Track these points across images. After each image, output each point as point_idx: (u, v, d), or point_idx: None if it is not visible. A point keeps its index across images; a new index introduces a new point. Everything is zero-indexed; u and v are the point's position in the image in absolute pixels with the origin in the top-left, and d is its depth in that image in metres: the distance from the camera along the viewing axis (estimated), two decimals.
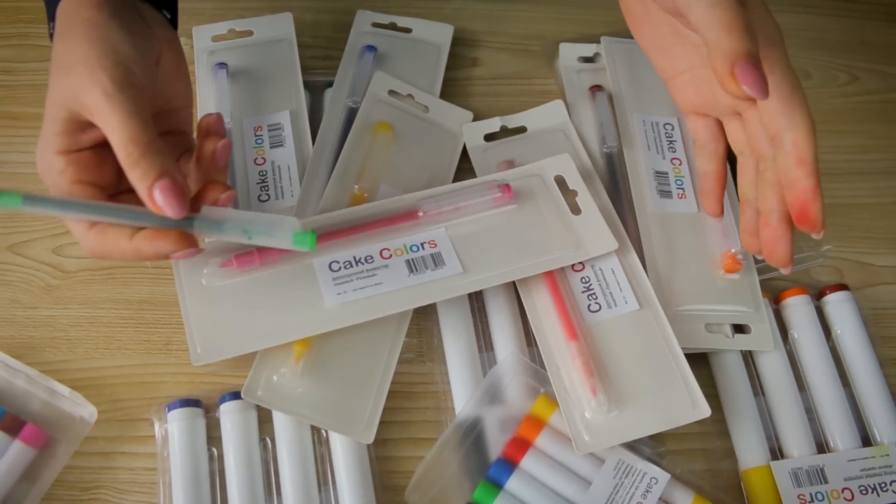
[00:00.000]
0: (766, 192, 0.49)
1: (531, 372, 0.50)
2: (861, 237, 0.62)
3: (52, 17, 0.45)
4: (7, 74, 0.62)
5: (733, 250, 0.55)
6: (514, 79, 0.66)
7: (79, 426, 0.50)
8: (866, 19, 0.73)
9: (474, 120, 0.61)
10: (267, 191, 0.56)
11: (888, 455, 0.51)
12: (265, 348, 0.49)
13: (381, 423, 0.49)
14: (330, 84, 0.61)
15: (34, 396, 0.50)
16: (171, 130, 0.47)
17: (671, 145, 0.59)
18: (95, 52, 0.41)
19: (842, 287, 0.57)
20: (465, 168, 0.60)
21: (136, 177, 0.40)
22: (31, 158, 0.57)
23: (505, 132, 0.61)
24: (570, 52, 0.64)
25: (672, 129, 0.60)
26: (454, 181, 0.58)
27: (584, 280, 0.53)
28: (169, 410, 0.49)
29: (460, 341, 0.52)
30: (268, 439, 0.50)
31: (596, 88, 0.62)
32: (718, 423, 0.53)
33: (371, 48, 0.62)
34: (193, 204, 0.43)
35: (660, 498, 0.48)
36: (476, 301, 0.54)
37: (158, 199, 0.40)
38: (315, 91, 0.62)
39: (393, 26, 0.65)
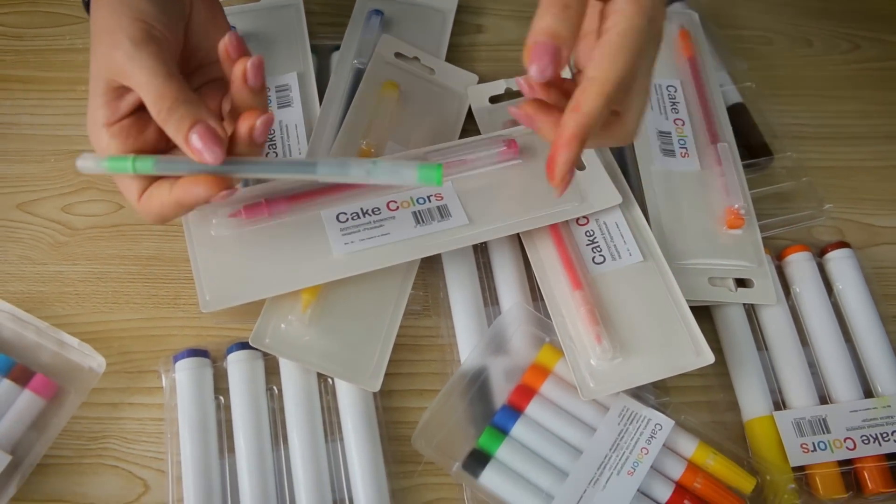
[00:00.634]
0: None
1: (536, 321, 0.51)
2: (862, 199, 0.63)
3: None
4: (16, 40, 0.63)
5: (736, 206, 0.55)
6: (518, 45, 0.66)
7: (87, 376, 0.50)
8: None
9: (479, 83, 0.61)
10: (275, 149, 0.56)
11: (889, 406, 0.51)
12: (273, 296, 0.49)
13: (387, 374, 0.50)
14: (337, 48, 0.62)
15: (43, 348, 0.50)
16: (213, 79, 0.47)
17: (674, 107, 0.60)
18: (115, 15, 0.42)
19: (843, 244, 0.57)
20: (470, 130, 0.60)
21: (171, 130, 0.41)
22: (40, 121, 0.60)
23: (510, 94, 0.61)
24: None
25: (675, 91, 0.61)
26: None
27: (588, 234, 0.53)
28: (176, 361, 0.50)
29: (466, 295, 0.53)
30: (275, 388, 0.50)
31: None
32: (722, 376, 0.54)
33: (378, 12, 0.62)
34: (233, 141, 0.43)
35: (664, 444, 0.48)
36: (481, 256, 0.55)
37: (196, 145, 0.40)
38: (322, 55, 0.63)
39: None
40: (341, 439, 0.49)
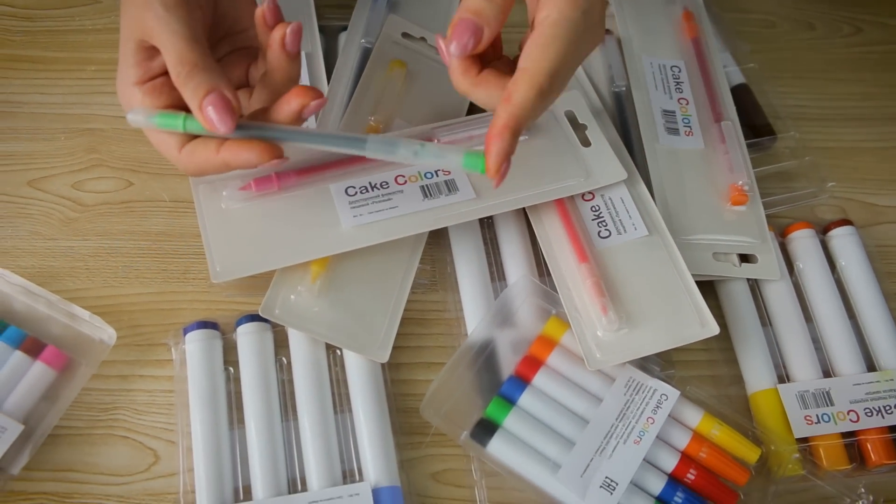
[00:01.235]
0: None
1: (542, 294, 0.51)
2: (864, 179, 0.63)
3: None
4: (27, 21, 0.64)
5: (740, 183, 0.56)
6: (523, 27, 0.67)
7: (98, 348, 0.50)
8: None
9: None
10: None
11: (892, 380, 0.52)
12: (283, 268, 0.50)
13: (395, 348, 0.50)
14: (344, 28, 0.63)
15: (55, 320, 0.51)
16: (240, 48, 0.48)
17: (678, 86, 0.61)
18: None
19: (846, 222, 0.58)
20: (477, 110, 0.60)
21: (188, 95, 0.41)
22: (51, 100, 0.60)
23: None
24: None
25: (679, 71, 0.61)
26: None
27: (594, 209, 0.54)
28: (186, 333, 0.50)
29: (472, 269, 0.53)
30: (283, 359, 0.51)
31: (605, 32, 0.63)
32: (726, 350, 0.54)
33: None
34: (278, 108, 0.43)
35: (669, 414, 0.48)
36: (488, 231, 0.55)
37: (209, 113, 0.41)
38: (330, 35, 0.63)
39: None
40: (350, 411, 0.49)
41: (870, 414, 0.51)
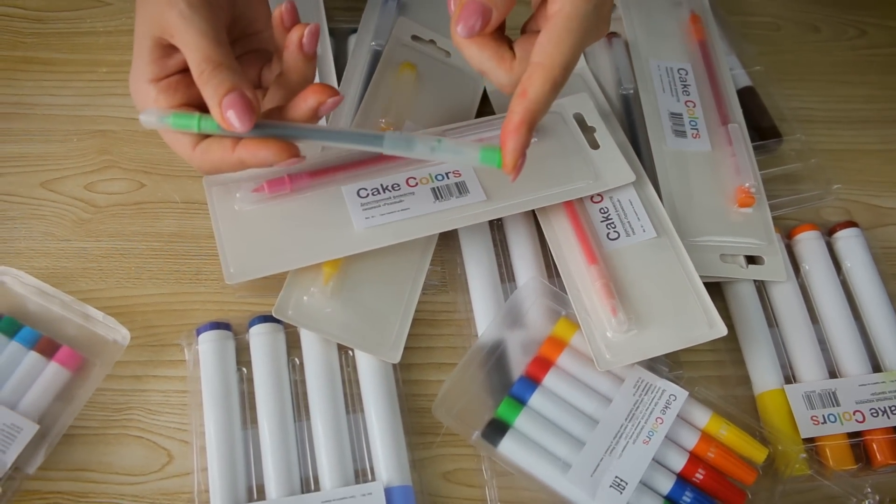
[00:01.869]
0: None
1: (552, 295, 0.52)
2: (869, 181, 0.64)
3: None
4: (38, 23, 0.64)
5: (746, 185, 0.56)
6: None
7: (112, 349, 0.51)
8: None
9: None
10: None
11: None
12: (295, 269, 0.50)
13: (406, 348, 0.51)
14: (354, 31, 0.63)
15: (69, 321, 0.51)
16: (253, 50, 0.48)
17: (685, 88, 0.61)
18: None
19: (851, 224, 0.58)
20: (486, 112, 0.61)
21: (208, 93, 0.41)
22: (62, 101, 0.60)
23: None
24: None
25: (686, 74, 0.62)
26: None
27: (602, 210, 0.54)
28: (199, 333, 0.51)
29: (482, 271, 0.54)
30: (296, 359, 0.51)
31: (612, 35, 0.63)
32: (733, 352, 0.55)
33: None
34: (294, 107, 0.44)
35: (678, 415, 0.49)
36: (497, 233, 0.56)
37: (227, 112, 0.41)
38: (339, 38, 0.64)
39: None
40: (362, 411, 0.50)
41: (875, 414, 0.51)
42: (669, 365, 0.51)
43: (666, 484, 0.47)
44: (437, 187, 0.52)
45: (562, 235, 0.53)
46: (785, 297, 0.55)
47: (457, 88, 0.61)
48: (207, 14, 0.42)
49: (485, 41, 0.43)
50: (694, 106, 0.60)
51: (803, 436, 0.51)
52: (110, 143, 0.59)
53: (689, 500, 0.47)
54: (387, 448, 0.48)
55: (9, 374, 0.49)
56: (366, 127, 0.56)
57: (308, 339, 0.50)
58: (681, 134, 0.59)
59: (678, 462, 0.48)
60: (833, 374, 0.54)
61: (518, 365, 0.51)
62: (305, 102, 0.44)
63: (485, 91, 0.61)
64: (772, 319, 0.56)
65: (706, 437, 0.49)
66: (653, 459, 0.47)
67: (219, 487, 0.46)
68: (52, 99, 0.61)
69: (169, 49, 0.44)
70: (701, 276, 0.52)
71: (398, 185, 0.52)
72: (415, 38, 0.62)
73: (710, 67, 0.62)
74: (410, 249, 0.52)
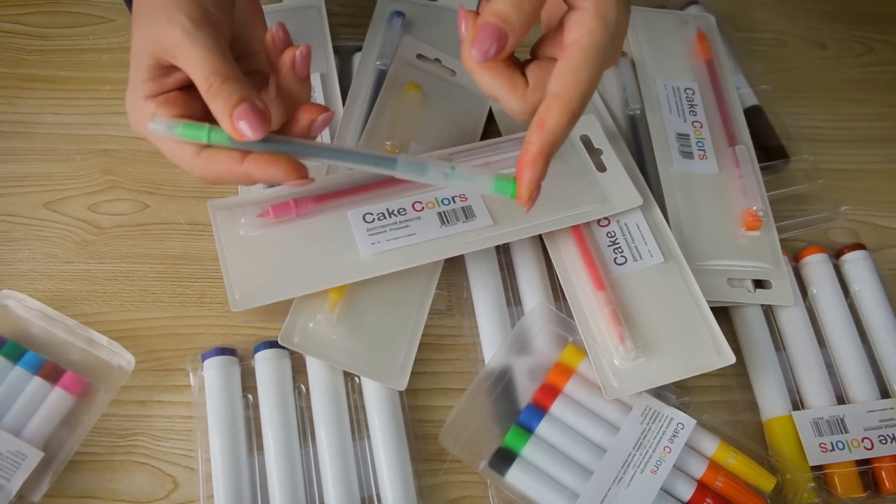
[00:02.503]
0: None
1: (559, 321, 0.52)
2: (876, 201, 0.63)
3: None
4: (41, 40, 0.64)
5: (754, 208, 0.56)
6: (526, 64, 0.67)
7: (117, 374, 0.51)
8: None
9: None
10: None
11: None
12: (301, 296, 0.50)
13: (413, 373, 0.50)
14: (358, 49, 0.63)
15: (73, 345, 0.51)
16: (249, 71, 0.48)
17: (692, 109, 0.61)
18: None
19: (859, 246, 0.58)
20: (492, 131, 0.61)
21: (218, 106, 0.41)
22: (65, 120, 0.60)
23: None
24: None
25: (693, 94, 0.62)
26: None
27: (609, 235, 0.54)
28: (204, 359, 0.50)
29: (489, 294, 0.53)
30: (302, 386, 0.51)
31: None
32: (740, 376, 0.55)
33: (399, 14, 0.63)
34: (287, 128, 0.44)
35: (686, 443, 0.49)
36: (504, 256, 0.56)
37: (239, 122, 0.40)
38: (344, 56, 0.63)
39: None
40: (368, 437, 0.50)
41: (884, 441, 0.51)
42: (677, 392, 0.51)
43: None
44: (444, 212, 0.52)
45: (568, 259, 0.53)
46: (792, 322, 0.55)
47: (462, 108, 0.60)
48: (211, 30, 0.42)
49: (497, 67, 0.42)
50: (701, 126, 0.60)
51: (811, 463, 0.50)
52: (113, 162, 0.59)
53: None
54: (393, 475, 0.48)
55: (13, 400, 0.48)
56: (370, 149, 0.55)
57: (314, 366, 0.50)
58: (688, 155, 0.59)
59: (686, 491, 0.48)
60: (841, 398, 0.54)
61: (525, 392, 0.50)
62: (298, 123, 0.44)
63: (490, 111, 0.61)
64: (779, 343, 0.55)
65: (714, 465, 0.49)
66: (661, 489, 0.47)
67: None
68: (55, 118, 0.60)
69: (168, 68, 0.43)
70: (708, 301, 0.52)
71: (404, 210, 0.52)
72: (420, 56, 0.61)
73: (717, 87, 0.62)
74: (416, 274, 0.52)
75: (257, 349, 0.51)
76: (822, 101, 0.68)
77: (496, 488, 0.49)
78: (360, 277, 0.50)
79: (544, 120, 0.40)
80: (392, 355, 0.50)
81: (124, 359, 0.51)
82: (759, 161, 0.60)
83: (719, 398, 0.54)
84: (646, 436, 0.48)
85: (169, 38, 0.41)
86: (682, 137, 0.59)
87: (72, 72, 0.63)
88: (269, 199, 0.51)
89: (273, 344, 0.50)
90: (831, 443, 0.51)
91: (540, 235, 0.54)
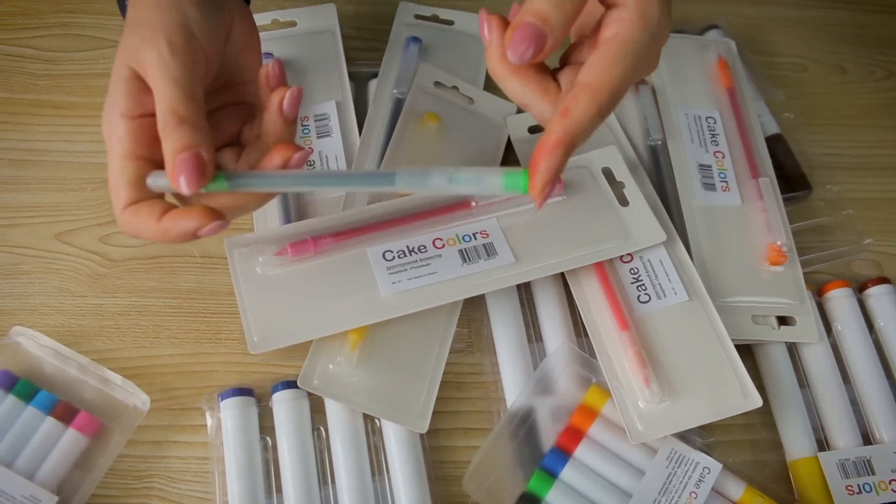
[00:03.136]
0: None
1: (582, 361, 0.51)
2: None
3: None
4: (51, 64, 0.63)
5: (778, 243, 0.55)
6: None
7: (132, 414, 0.50)
8: None
9: (518, 112, 0.61)
10: None
11: None
12: (320, 337, 0.49)
13: (433, 413, 0.49)
14: (373, 75, 0.62)
15: (86, 384, 0.50)
16: (237, 101, 0.46)
17: (714, 138, 0.60)
18: (161, 13, 0.40)
19: (883, 280, 0.57)
20: (510, 160, 0.60)
21: (167, 149, 0.39)
22: (76, 148, 0.59)
23: None
24: None
25: (714, 123, 0.61)
26: None
27: (632, 271, 0.53)
28: (221, 399, 0.50)
29: (510, 331, 0.53)
30: (321, 428, 0.50)
31: (639, 81, 0.62)
32: (764, 414, 0.54)
33: (416, 40, 0.62)
34: (259, 167, 0.41)
35: (712, 488, 0.48)
36: (525, 291, 0.55)
37: (179, 172, 0.38)
38: (359, 82, 0.62)
39: (435, 18, 0.65)
40: (389, 479, 0.49)
41: None
42: (702, 434, 0.50)
43: None
44: (465, 249, 0.51)
45: (591, 297, 0.52)
46: (817, 359, 0.54)
47: (481, 136, 0.59)
48: (186, 61, 0.39)
49: (528, 72, 0.39)
50: (723, 157, 0.59)
51: None
52: None
53: None
54: None
55: (25, 442, 0.48)
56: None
57: (333, 407, 0.49)
58: (710, 187, 0.58)
59: None
60: (866, 436, 0.53)
61: (548, 434, 0.49)
62: (271, 162, 0.41)
63: (509, 139, 0.60)
64: (803, 380, 0.55)
65: None
66: None
67: None
68: (66, 145, 0.59)
69: (146, 84, 0.40)
70: (733, 340, 0.51)
71: (424, 247, 0.51)
72: (437, 83, 0.60)
73: (739, 116, 0.61)
74: (437, 312, 0.51)
75: (275, 389, 0.50)
76: (843, 128, 0.67)
77: None
78: (380, 318, 0.49)
79: (569, 108, 0.36)
80: (413, 397, 0.49)
81: (139, 399, 0.50)
82: (781, 191, 0.59)
83: (743, 436, 0.53)
84: (671, 480, 0.48)
85: (145, 57, 0.39)
86: (705, 168, 0.58)
87: (82, 97, 0.61)
88: (286, 236, 0.50)
89: (291, 384, 0.49)
90: (858, 485, 0.50)
91: None
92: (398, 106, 0.59)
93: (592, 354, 0.51)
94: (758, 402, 0.49)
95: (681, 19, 0.69)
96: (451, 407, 0.52)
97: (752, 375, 0.51)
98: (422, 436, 0.50)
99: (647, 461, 0.48)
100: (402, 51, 0.62)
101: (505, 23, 0.38)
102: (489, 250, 0.51)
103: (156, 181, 0.41)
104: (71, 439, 0.48)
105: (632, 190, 0.55)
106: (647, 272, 0.53)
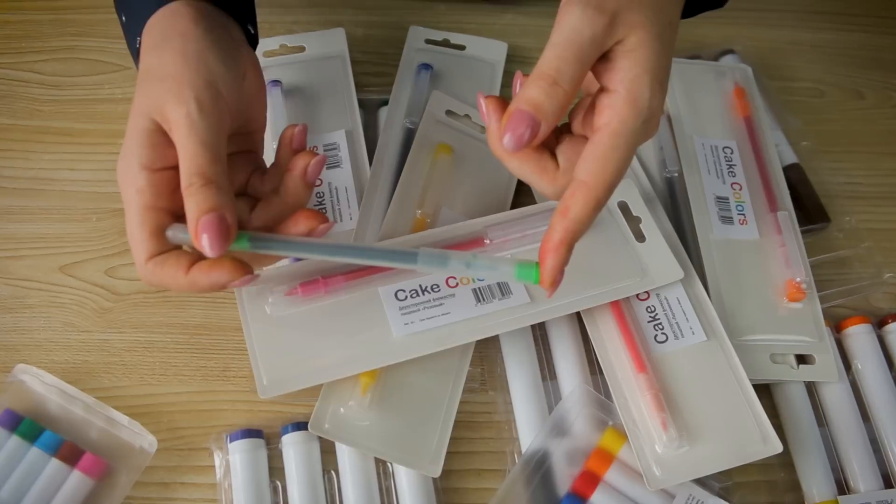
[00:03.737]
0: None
1: (599, 404, 0.50)
2: None
3: (137, 32, 0.44)
4: (55, 89, 0.62)
5: (797, 279, 0.54)
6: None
7: (139, 455, 0.49)
8: None
9: None
10: (325, 213, 0.55)
11: None
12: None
13: (446, 454, 0.48)
14: (384, 102, 0.60)
15: (92, 424, 0.49)
16: (243, 150, 0.46)
17: (731, 169, 0.59)
18: (189, 68, 0.40)
19: None
20: (523, 191, 0.59)
21: (191, 207, 0.38)
22: (82, 176, 0.58)
23: None
24: None
25: (731, 153, 0.59)
26: (513, 205, 0.57)
27: (649, 309, 0.52)
28: (230, 441, 0.49)
29: (524, 370, 0.52)
30: (332, 472, 0.49)
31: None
32: (782, 454, 0.52)
33: (427, 66, 0.61)
34: (284, 231, 0.42)
35: None
36: (539, 329, 0.54)
37: (202, 233, 0.38)
38: (369, 109, 0.61)
39: (446, 43, 0.64)
40: None
41: None
42: (719, 478, 0.49)
43: None
44: (479, 288, 0.50)
45: (607, 336, 0.51)
46: (836, 397, 0.53)
47: (494, 166, 0.58)
48: (214, 121, 0.39)
49: (527, 153, 0.41)
50: (740, 189, 0.58)
51: None
52: None
53: None
54: None
55: (30, 484, 0.47)
56: (401, 217, 0.53)
57: (344, 451, 0.48)
58: (727, 220, 0.57)
59: None
60: (886, 476, 0.52)
61: (564, 478, 0.48)
62: (297, 227, 0.42)
63: None
64: (822, 418, 0.53)
65: None
66: None
67: None
68: (71, 174, 0.58)
69: (168, 138, 0.40)
70: (751, 380, 0.50)
71: (437, 287, 0.50)
72: (448, 112, 0.59)
73: (757, 146, 0.60)
74: (450, 353, 0.50)
75: (285, 431, 0.49)
76: (860, 156, 0.66)
77: None
78: (393, 361, 0.48)
79: (568, 207, 0.39)
80: (425, 440, 0.48)
81: (146, 440, 0.49)
82: (799, 223, 0.58)
83: (760, 478, 0.52)
84: None
85: (171, 113, 0.39)
86: (722, 201, 0.57)
87: (87, 124, 0.60)
88: (296, 275, 0.49)
89: (301, 426, 0.48)
90: None
91: None
92: (409, 136, 0.58)
93: (607, 392, 0.50)
94: (778, 447, 0.48)
95: (695, 44, 0.68)
96: (463, 447, 0.51)
97: (770, 414, 0.50)
98: (434, 479, 0.49)
99: None
100: (413, 78, 0.60)
101: (501, 105, 0.40)
102: (503, 289, 0.50)
103: (176, 235, 0.40)
104: (76, 482, 0.47)
105: (648, 225, 0.54)
106: (664, 311, 0.52)
